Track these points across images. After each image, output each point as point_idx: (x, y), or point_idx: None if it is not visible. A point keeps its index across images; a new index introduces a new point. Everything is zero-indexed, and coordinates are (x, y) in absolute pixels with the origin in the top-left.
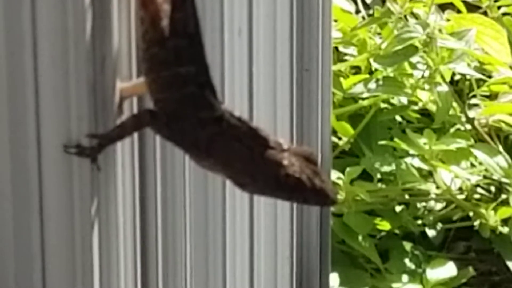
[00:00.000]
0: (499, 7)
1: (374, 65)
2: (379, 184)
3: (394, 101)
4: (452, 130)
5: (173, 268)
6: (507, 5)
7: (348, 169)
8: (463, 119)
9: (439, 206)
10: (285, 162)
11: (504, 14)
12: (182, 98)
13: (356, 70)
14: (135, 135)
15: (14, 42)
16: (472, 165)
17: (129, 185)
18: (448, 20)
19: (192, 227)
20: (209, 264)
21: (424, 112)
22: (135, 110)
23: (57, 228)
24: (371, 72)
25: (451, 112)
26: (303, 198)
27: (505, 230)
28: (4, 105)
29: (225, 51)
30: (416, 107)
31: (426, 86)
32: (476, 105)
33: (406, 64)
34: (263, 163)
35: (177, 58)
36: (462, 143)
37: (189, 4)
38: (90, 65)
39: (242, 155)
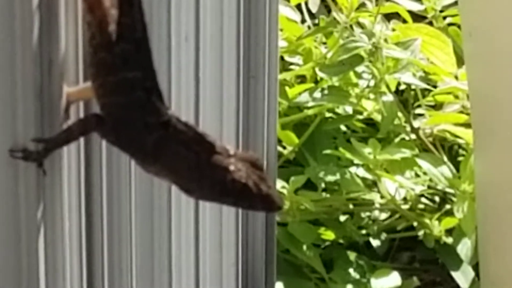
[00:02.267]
0: (444, 18)
1: (320, 75)
2: (324, 194)
3: (339, 110)
4: (397, 140)
5: (118, 273)
6: (453, 16)
7: (292, 178)
8: (408, 129)
9: (383, 216)
10: (232, 168)
11: (450, 24)
12: (129, 103)
13: (302, 79)
14: (81, 140)
15: None
16: (417, 175)
17: (75, 190)
18: (394, 30)
19: (138, 232)
20: (155, 270)
21: (369, 122)
22: (81, 115)
23: (3, 232)
24: (316, 82)
25: (396, 121)
26: (249, 204)
27: (449, 240)
28: None
29: (172, 57)
30: (361, 117)
31: (371, 96)
32: (421, 115)
33: (351, 74)
34: (209, 169)
35: (124, 63)
36: (406, 153)
37: (137, 10)
38: (37, 69)
39: (188, 161)
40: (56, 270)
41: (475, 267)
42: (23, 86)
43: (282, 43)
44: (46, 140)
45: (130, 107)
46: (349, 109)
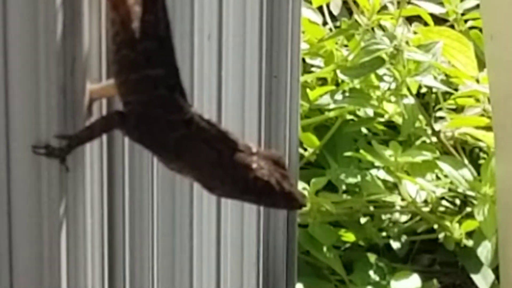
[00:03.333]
0: (466, 21)
1: (341, 77)
2: (344, 196)
3: (360, 113)
4: (418, 142)
5: (140, 270)
6: (474, 19)
7: (313, 180)
8: (429, 131)
9: (404, 218)
10: (254, 165)
11: (471, 27)
12: (152, 100)
13: (323, 81)
14: (104, 137)
15: None
16: (438, 178)
17: (97, 187)
18: (415, 32)
19: (160, 229)
20: (176, 267)
21: (390, 124)
22: (104, 112)
23: (25, 228)
24: (337, 84)
25: (417, 124)
26: (271, 202)
27: (470, 243)
28: None
29: (195, 55)
30: (382, 119)
31: (393, 98)
32: (442, 118)
33: (372, 76)
34: (232, 166)
35: (147, 60)
36: (427, 156)
37: (160, 7)
38: (60, 66)
39: (211, 158)
40: (77, 266)
41: (495, 270)
42: (46, 83)
43: (303, 45)
44: (69, 136)
45: (153, 105)
46: (370, 112)
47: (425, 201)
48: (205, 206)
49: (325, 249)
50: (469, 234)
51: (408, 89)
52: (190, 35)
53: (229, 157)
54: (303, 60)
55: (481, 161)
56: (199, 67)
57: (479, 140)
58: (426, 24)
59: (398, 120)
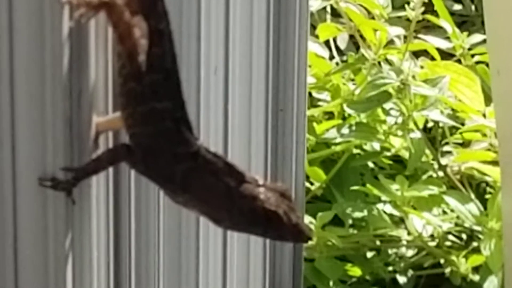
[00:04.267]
0: (472, 56)
1: (347, 111)
2: (351, 230)
3: (367, 147)
4: (424, 176)
5: None
6: (481, 54)
7: (320, 214)
8: (436, 166)
9: (410, 252)
10: (262, 196)
11: (478, 62)
12: (158, 133)
13: (329, 115)
14: (110, 170)
15: None
16: (444, 212)
17: (103, 220)
18: (422, 67)
19: (166, 263)
20: None
21: (397, 159)
22: (110, 145)
23: (31, 261)
24: (344, 118)
25: (423, 159)
26: (278, 234)
27: (476, 278)
28: None
29: (201, 89)
30: (388, 153)
31: (399, 133)
32: (448, 152)
33: (379, 110)
34: (240, 197)
35: (154, 93)
36: (434, 190)
37: (166, 40)
38: (67, 98)
39: (218, 189)
40: None
41: None
42: (53, 115)
43: (310, 79)
44: (75, 169)
45: (159, 137)
46: (377, 146)
47: (432, 236)
48: (211, 239)
49: (331, 283)
50: (476, 269)
51: (415, 123)
52: (196, 69)
53: (237, 188)
54: (310, 94)
55: (488, 196)
56: (205, 100)
57: (486, 175)
58: (433, 58)
59: (405, 154)
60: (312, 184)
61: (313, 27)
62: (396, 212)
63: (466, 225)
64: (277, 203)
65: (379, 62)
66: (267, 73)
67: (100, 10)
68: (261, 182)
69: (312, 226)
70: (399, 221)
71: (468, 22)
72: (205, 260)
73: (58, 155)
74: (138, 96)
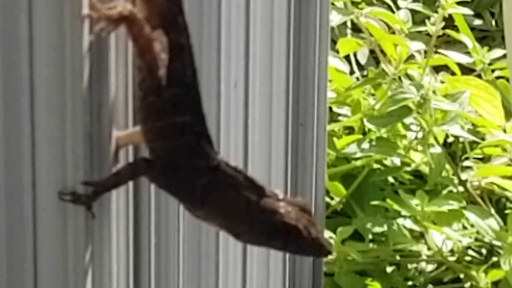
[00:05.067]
0: (493, 70)
1: (368, 126)
2: (371, 245)
3: (387, 162)
4: (444, 192)
5: None
6: (501, 69)
7: (339, 229)
8: (456, 181)
9: (430, 267)
10: (282, 210)
11: (498, 77)
12: (178, 148)
13: (350, 130)
14: (130, 184)
15: (12, 89)
16: (464, 227)
17: (123, 234)
18: (442, 82)
19: (185, 278)
20: None
21: (417, 174)
22: (130, 159)
23: (51, 275)
24: (364, 133)
25: (443, 174)
26: (298, 248)
27: None
28: (0, 150)
29: (221, 103)
30: (409, 168)
31: (419, 148)
32: (469, 167)
33: (399, 125)
34: (260, 211)
35: (174, 107)
36: (454, 205)
37: (187, 54)
38: (87, 113)
39: (238, 203)
40: None
41: None
42: (72, 129)
43: (330, 94)
44: (95, 183)
45: (179, 152)
46: (397, 161)
47: (451, 251)
48: (231, 254)
49: None
50: (496, 284)
51: (435, 138)
52: (216, 83)
53: (257, 202)
54: (330, 108)
55: (508, 211)
56: (225, 115)
57: (506, 190)
58: (453, 73)
59: (425, 169)
60: (332, 199)
61: (334, 42)
62: (416, 227)
63: (486, 240)
64: (297, 217)
65: (399, 77)
66: (287, 88)
67: (120, 24)
68: (281, 196)
69: (332, 241)
70: (419, 236)
71: (488, 37)
72: (224, 275)
73: (78, 169)
74: (158, 110)
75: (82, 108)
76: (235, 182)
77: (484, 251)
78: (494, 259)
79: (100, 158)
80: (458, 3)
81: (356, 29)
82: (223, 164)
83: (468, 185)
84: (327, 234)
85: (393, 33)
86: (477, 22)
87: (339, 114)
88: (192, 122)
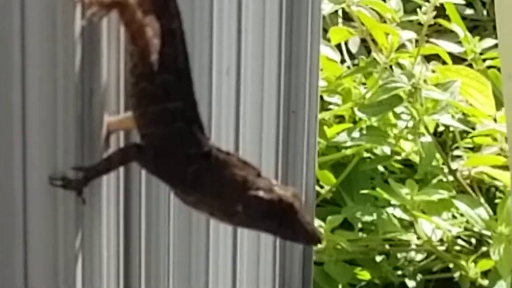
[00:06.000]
0: (484, 60)
1: (358, 115)
2: (360, 234)
3: (377, 151)
4: (434, 181)
5: None
6: (492, 58)
7: (329, 217)
8: (446, 170)
9: (419, 257)
10: (277, 189)
11: (489, 67)
12: (169, 134)
13: (340, 119)
14: (121, 169)
15: (3, 74)
16: (454, 217)
17: (113, 219)
18: (433, 71)
19: (176, 264)
20: None
21: (407, 163)
22: (121, 144)
23: (41, 260)
24: (355, 122)
25: (434, 163)
26: (291, 231)
27: (485, 282)
28: None
29: (213, 90)
30: (399, 157)
31: (410, 137)
32: (459, 156)
33: (390, 114)
34: (257, 188)
35: (166, 93)
36: (444, 194)
37: (179, 40)
38: (78, 98)
39: (234, 182)
40: None
41: None
42: (64, 115)
43: (321, 83)
44: (86, 168)
45: (171, 138)
46: (387, 150)
47: (441, 240)
48: (221, 242)
49: (340, 287)
50: (485, 274)
51: (426, 127)
52: (208, 69)
53: (253, 180)
54: (321, 97)
55: (497, 201)
56: (217, 101)
57: (496, 179)
58: (444, 63)
59: (415, 158)
60: (322, 187)
61: (325, 30)
62: (405, 216)
63: (476, 229)
64: (293, 199)
65: (390, 66)
66: (279, 75)
67: (112, 9)
68: (274, 182)
69: (321, 230)
70: (409, 225)
71: (479, 26)
72: (215, 262)
73: (69, 154)
74: (150, 96)
75: (73, 93)
76: (229, 165)
77: (473, 240)
78: (484, 248)
79: (91, 143)
80: None
81: (348, 18)
82: (215, 150)
83: (458, 174)
84: (317, 222)
85: (385, 22)
86: (469, 11)
87: (330, 103)
88: (184, 108)
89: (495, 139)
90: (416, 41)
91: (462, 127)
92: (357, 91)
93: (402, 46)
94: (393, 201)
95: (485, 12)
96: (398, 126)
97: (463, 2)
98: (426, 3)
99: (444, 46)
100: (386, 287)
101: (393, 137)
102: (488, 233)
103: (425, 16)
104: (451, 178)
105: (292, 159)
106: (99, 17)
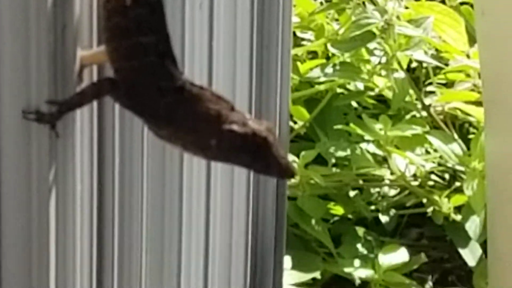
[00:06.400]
0: None
1: (331, 50)
2: (334, 169)
3: (351, 86)
4: (407, 116)
5: (128, 235)
6: None
7: (303, 153)
8: (419, 106)
9: (392, 192)
10: (251, 123)
11: (462, 3)
12: (143, 68)
13: (313, 55)
14: (94, 103)
15: None
16: (427, 152)
17: (87, 153)
18: (407, 7)
19: (149, 197)
20: (165, 235)
21: (380, 99)
22: (95, 78)
23: (14, 193)
24: (328, 58)
25: (407, 98)
26: (265, 164)
27: (458, 217)
28: None
29: (186, 24)
30: (372, 93)
31: (383, 72)
32: (432, 92)
33: (363, 50)
34: (231, 121)
35: (139, 27)
36: (417, 130)
37: None
38: (51, 32)
39: (208, 115)
40: (66, 231)
41: (483, 245)
42: (37, 49)
43: (294, 19)
44: (59, 102)
45: (144, 72)
46: (361, 85)
47: (414, 175)
48: (195, 176)
49: (313, 222)
50: (458, 209)
51: (399, 63)
52: (181, 4)
53: (227, 114)
54: (294, 33)
55: (471, 136)
56: (190, 36)
57: (469, 115)
58: None
59: (388, 94)
60: (295, 123)
61: None
62: (379, 152)
63: (449, 165)
64: (267, 133)
65: (363, 2)
66: (252, 10)
67: None
68: (248, 116)
69: (295, 165)
70: (382, 161)
71: None
72: (188, 196)
73: (42, 88)
74: (123, 30)
75: (46, 28)
76: (202, 98)
77: (447, 176)
78: (457, 184)
79: (64, 77)
80: None
81: None
82: (188, 84)
83: (432, 110)
84: (291, 158)
85: None
86: None
87: (303, 39)
88: (157, 42)
89: (468, 75)
90: None
91: (435, 63)
92: (330, 27)
93: None
94: (366, 137)
95: None
96: (371, 62)
97: None
98: None
99: None
100: (359, 222)
101: (367, 73)
102: (461, 168)
103: None
104: (424, 113)
105: (266, 94)
106: None
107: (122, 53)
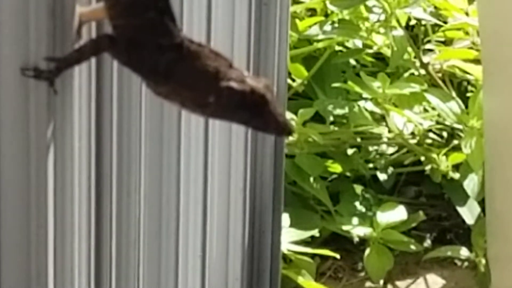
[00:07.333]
0: None
1: (330, 8)
2: (332, 127)
3: (349, 44)
4: (406, 74)
5: (127, 191)
6: None
7: (301, 110)
8: (418, 64)
9: (391, 150)
10: (249, 81)
11: None
12: (141, 24)
13: (312, 12)
14: (93, 60)
15: None
16: (425, 110)
17: (85, 110)
18: None
19: (147, 153)
20: (163, 192)
21: (379, 56)
22: (93, 35)
23: (13, 150)
24: (326, 15)
25: (405, 56)
26: (263, 121)
27: (456, 175)
28: None
29: None
30: (370, 51)
31: (382, 30)
32: (430, 50)
33: (362, 7)
34: (228, 79)
35: None
36: (415, 88)
37: None
38: None
39: (206, 73)
40: (64, 188)
41: (481, 203)
42: (36, 5)
43: None
44: (57, 59)
45: (143, 28)
46: (359, 43)
47: (412, 133)
48: (193, 132)
49: (311, 179)
50: (456, 167)
51: (397, 21)
52: None
53: (225, 71)
54: None
55: (469, 94)
56: None
57: (467, 73)
58: None
59: (387, 52)
60: (293, 80)
61: None
62: (377, 110)
63: (447, 123)
64: (264, 90)
65: None
66: None
67: None
68: (246, 73)
69: (293, 123)
70: (380, 119)
71: None
72: (186, 152)
73: (41, 44)
74: None
75: None
76: (201, 55)
77: (445, 134)
78: (455, 142)
79: (63, 34)
80: None
81: None
82: (187, 41)
83: (430, 68)
84: (289, 116)
85: None
86: None
87: None
88: None
89: (467, 33)
90: None
91: (434, 20)
92: None
93: None
94: (364, 94)
95: None
96: (370, 20)
97: None
98: None
99: None
100: (357, 180)
101: (365, 31)
102: (459, 126)
103: None
104: (422, 71)
105: (264, 51)
106: None
107: (120, 9)
